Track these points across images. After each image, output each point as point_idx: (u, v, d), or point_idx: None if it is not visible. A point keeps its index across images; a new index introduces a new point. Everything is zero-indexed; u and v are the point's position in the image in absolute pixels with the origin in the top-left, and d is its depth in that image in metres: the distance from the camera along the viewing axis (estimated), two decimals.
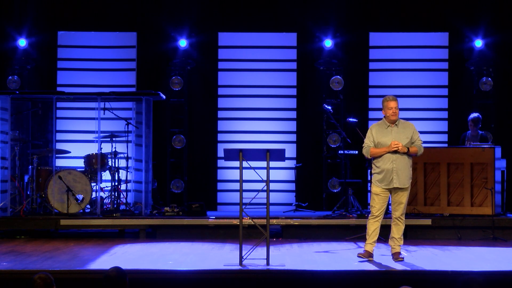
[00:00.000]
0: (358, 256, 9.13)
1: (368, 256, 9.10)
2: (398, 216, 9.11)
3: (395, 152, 9.00)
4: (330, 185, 13.74)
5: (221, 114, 14.15)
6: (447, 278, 8.03)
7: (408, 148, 9.04)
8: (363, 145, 9.24)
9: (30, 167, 12.36)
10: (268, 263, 8.63)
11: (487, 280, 6.57)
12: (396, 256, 9.10)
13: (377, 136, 9.12)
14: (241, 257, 8.69)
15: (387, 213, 9.46)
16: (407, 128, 9.17)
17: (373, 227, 9.11)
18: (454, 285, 5.65)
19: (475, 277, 5.62)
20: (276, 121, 14.08)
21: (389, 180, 9.01)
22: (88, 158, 12.42)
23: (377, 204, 9.08)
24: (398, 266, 8.75)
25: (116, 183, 12.46)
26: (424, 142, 13.65)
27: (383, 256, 9.59)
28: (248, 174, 9.01)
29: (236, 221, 11.20)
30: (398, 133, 9.10)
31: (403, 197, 9.09)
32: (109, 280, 5.85)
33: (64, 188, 11.98)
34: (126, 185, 12.82)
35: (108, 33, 14.13)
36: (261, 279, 8.33)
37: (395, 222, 9.16)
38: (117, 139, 12.64)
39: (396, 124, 9.13)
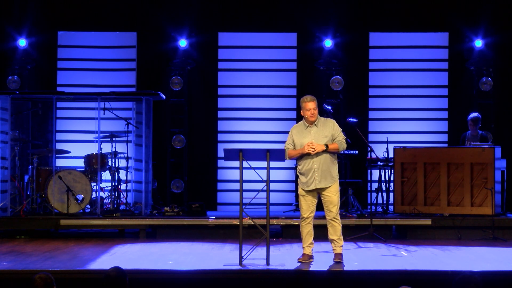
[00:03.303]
0: (298, 261, 8.93)
1: (308, 258, 8.97)
2: (333, 216, 8.93)
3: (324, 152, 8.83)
4: None
5: (221, 114, 14.15)
6: (447, 278, 8.02)
7: (326, 146, 8.80)
8: (285, 144, 9.02)
9: (30, 167, 12.36)
10: (268, 263, 8.63)
11: (486, 279, 6.59)
12: (337, 258, 8.92)
13: (296, 138, 8.90)
14: (241, 257, 8.70)
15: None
16: (326, 127, 8.92)
17: (305, 230, 8.96)
18: (451, 284, 5.66)
19: (471, 275, 5.63)
20: (276, 121, 14.08)
21: (312, 181, 8.85)
22: (88, 158, 12.42)
23: (304, 206, 8.93)
24: (398, 266, 8.74)
25: (116, 183, 12.47)
26: (424, 142, 13.87)
27: (383, 256, 9.60)
28: (248, 174, 9.01)
29: (236, 221, 11.20)
30: (317, 133, 8.88)
31: (333, 196, 8.90)
32: (109, 280, 5.86)
33: (64, 188, 11.98)
34: (126, 185, 12.82)
35: (108, 33, 14.13)
36: (261, 279, 8.33)
37: (331, 224, 8.96)
38: (117, 139, 12.65)
39: (315, 124, 8.92)
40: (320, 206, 13.61)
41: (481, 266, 8.73)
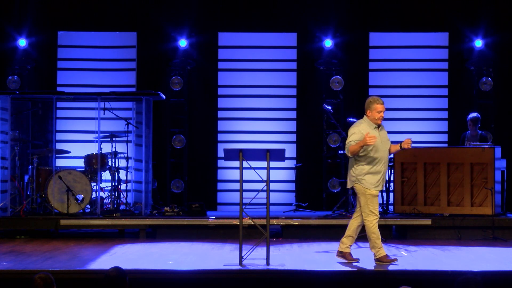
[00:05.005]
0: (385, 263, 8.80)
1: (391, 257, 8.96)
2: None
3: (388, 155, 8.94)
4: (330, 185, 13.74)
5: (221, 114, 14.15)
6: (447, 278, 8.04)
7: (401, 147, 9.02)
8: (350, 141, 8.88)
9: (30, 167, 12.36)
10: (268, 263, 8.64)
11: (486, 279, 6.59)
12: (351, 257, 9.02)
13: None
14: (241, 257, 8.70)
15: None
16: (384, 131, 9.07)
17: (378, 229, 8.87)
18: (453, 285, 5.66)
19: (473, 276, 5.63)
20: (276, 121, 14.08)
21: (381, 181, 8.88)
22: (88, 158, 12.42)
23: (376, 205, 8.85)
24: (398, 266, 8.74)
25: (116, 183, 12.47)
26: (424, 142, 13.86)
27: None
28: (248, 174, 9.01)
29: (236, 221, 11.20)
30: (383, 135, 8.98)
31: None
32: (109, 280, 5.86)
33: (64, 188, 11.98)
34: (126, 185, 12.82)
35: (108, 33, 14.13)
36: (261, 279, 8.33)
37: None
38: (117, 139, 12.64)
39: (380, 128, 9.02)
40: (314, 206, 13.59)
41: (481, 266, 8.73)
